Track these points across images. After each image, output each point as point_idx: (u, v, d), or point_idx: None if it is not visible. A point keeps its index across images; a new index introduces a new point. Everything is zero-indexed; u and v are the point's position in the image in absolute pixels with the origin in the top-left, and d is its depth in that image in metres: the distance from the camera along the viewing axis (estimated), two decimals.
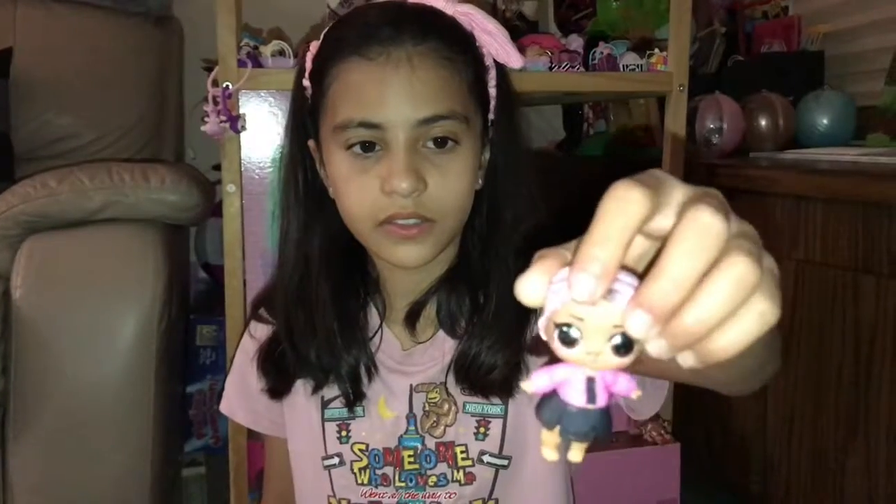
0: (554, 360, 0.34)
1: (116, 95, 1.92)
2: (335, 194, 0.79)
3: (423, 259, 0.77)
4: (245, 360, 0.95)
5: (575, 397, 0.34)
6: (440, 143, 0.74)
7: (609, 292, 0.32)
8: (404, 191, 0.72)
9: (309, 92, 0.81)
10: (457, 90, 0.75)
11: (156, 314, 1.29)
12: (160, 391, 1.33)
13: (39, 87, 1.82)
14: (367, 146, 0.75)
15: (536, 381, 0.35)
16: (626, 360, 0.33)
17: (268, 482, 1.00)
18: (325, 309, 0.81)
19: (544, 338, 0.34)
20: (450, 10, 0.79)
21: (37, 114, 1.82)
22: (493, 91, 0.81)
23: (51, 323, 1.27)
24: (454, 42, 0.76)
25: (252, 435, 1.24)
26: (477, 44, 0.79)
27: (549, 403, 0.35)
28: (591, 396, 0.34)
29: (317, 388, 0.84)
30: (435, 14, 0.78)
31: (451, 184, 0.75)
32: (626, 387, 0.35)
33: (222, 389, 0.98)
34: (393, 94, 0.72)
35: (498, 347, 0.77)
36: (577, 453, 0.36)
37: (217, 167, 2.06)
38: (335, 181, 0.78)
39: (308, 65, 0.80)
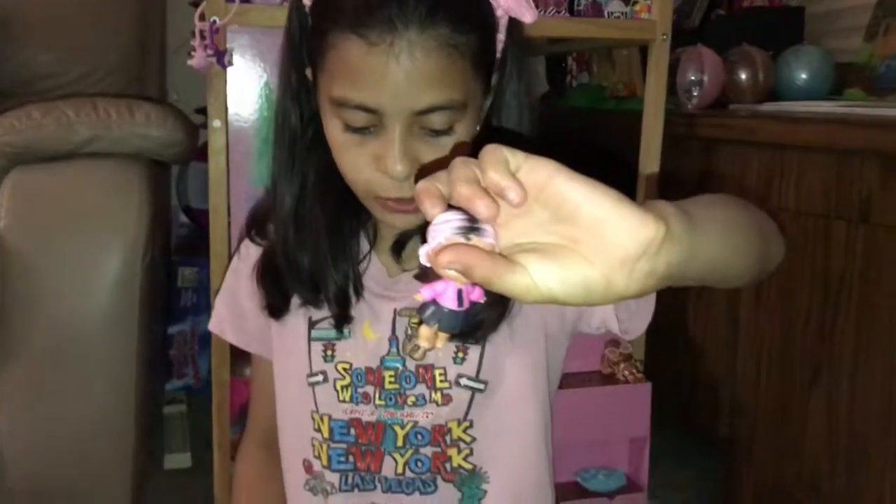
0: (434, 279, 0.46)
1: (99, 34, 1.90)
2: (332, 152, 0.78)
3: (415, 225, 0.80)
4: (236, 279, 0.96)
5: (448, 303, 0.46)
6: (435, 130, 0.73)
7: (477, 230, 0.44)
8: (399, 174, 0.72)
9: (308, 22, 0.78)
10: (459, 76, 0.72)
11: (140, 248, 1.30)
12: (144, 325, 1.35)
13: (21, 24, 1.81)
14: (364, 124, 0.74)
15: (424, 293, 0.47)
16: None
17: (253, 403, 1.03)
18: (317, 230, 0.83)
19: (427, 263, 0.45)
20: None
21: (18, 51, 1.81)
22: (500, 44, 0.79)
23: (35, 255, 1.28)
24: (464, 19, 0.71)
25: (234, 371, 1.27)
26: (493, 3, 0.76)
27: (428, 308, 0.47)
28: (460, 302, 0.47)
29: (306, 303, 0.86)
30: None
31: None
32: (479, 294, 0.47)
33: (204, 332, 0.98)
34: (391, 83, 0.69)
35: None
36: (441, 342, 0.48)
37: (200, 110, 2.07)
38: (330, 140, 0.77)
39: None
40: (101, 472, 1.37)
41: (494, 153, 0.43)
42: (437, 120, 0.72)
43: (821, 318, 1.27)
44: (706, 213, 0.53)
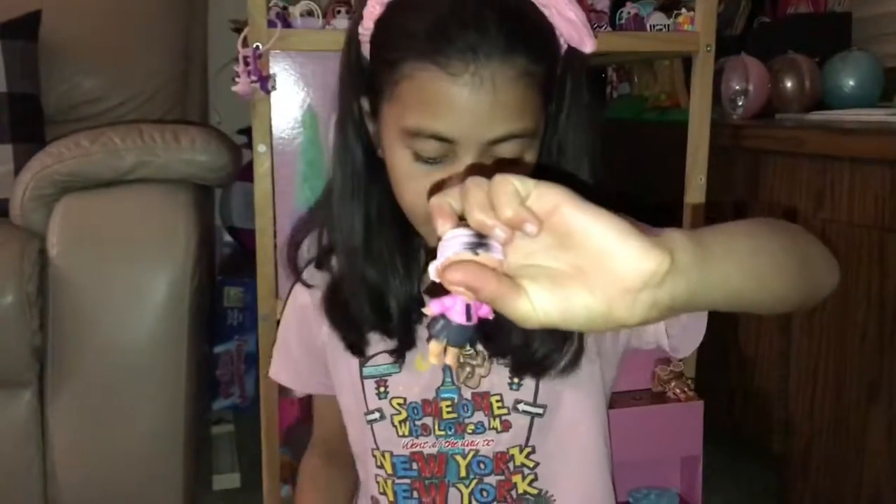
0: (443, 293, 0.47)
1: (143, 58, 1.93)
2: (392, 181, 0.77)
3: None
4: (286, 330, 0.98)
5: (457, 317, 0.47)
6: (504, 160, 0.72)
7: (486, 246, 0.45)
8: None
9: (367, 51, 0.78)
10: (532, 105, 0.72)
11: (188, 272, 1.32)
12: (192, 347, 1.36)
13: (67, 50, 1.83)
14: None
15: (433, 307, 0.48)
16: None
17: (315, 428, 1.04)
18: (388, 255, 0.81)
19: (436, 279, 0.46)
20: None
21: (65, 77, 1.84)
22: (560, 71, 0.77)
23: (86, 280, 1.30)
24: (539, 48, 0.72)
25: (282, 391, 1.27)
26: (557, 34, 0.75)
27: (438, 322, 0.48)
28: (469, 317, 0.47)
29: (372, 327, 0.84)
30: (519, 14, 0.71)
31: None
32: (487, 311, 0.48)
33: (250, 350, 0.99)
34: (472, 113, 0.68)
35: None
36: (451, 358, 0.48)
37: (242, 131, 2.09)
38: (395, 169, 0.75)
39: (369, 25, 0.76)
40: (153, 494, 1.38)
41: (504, 185, 0.44)
42: (507, 149, 0.71)
43: (878, 332, 1.24)
44: (727, 243, 0.51)
